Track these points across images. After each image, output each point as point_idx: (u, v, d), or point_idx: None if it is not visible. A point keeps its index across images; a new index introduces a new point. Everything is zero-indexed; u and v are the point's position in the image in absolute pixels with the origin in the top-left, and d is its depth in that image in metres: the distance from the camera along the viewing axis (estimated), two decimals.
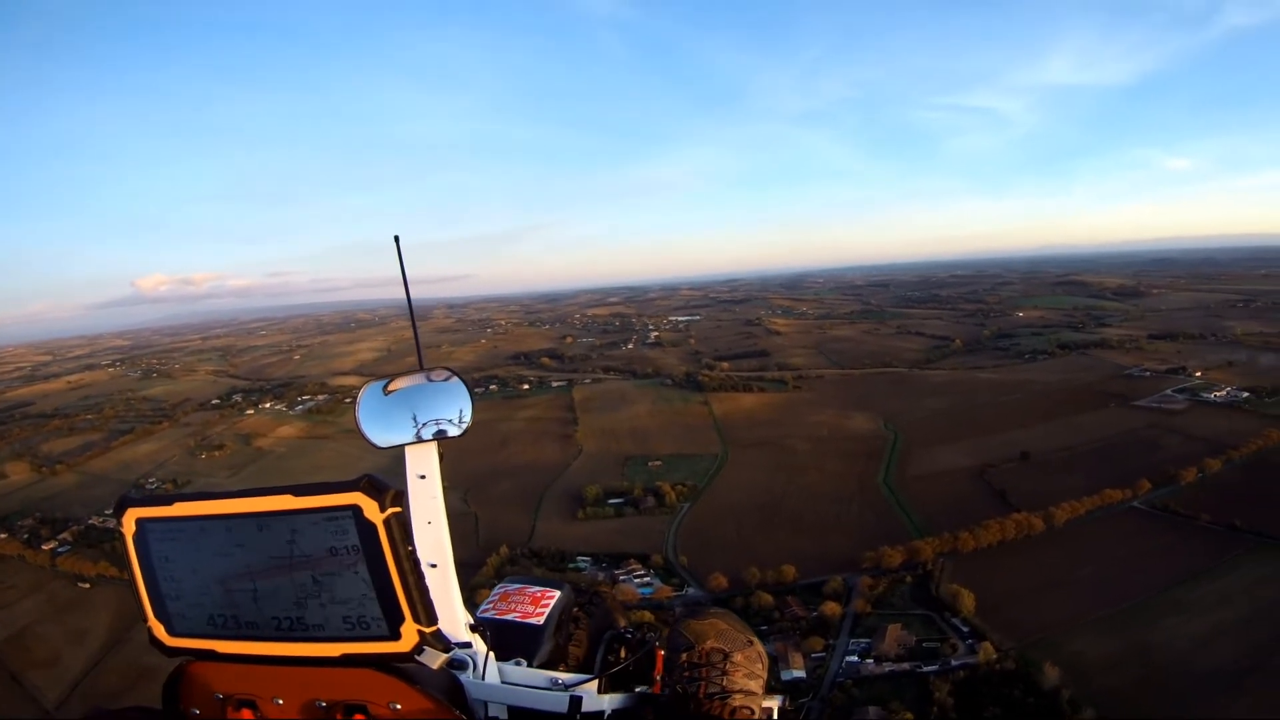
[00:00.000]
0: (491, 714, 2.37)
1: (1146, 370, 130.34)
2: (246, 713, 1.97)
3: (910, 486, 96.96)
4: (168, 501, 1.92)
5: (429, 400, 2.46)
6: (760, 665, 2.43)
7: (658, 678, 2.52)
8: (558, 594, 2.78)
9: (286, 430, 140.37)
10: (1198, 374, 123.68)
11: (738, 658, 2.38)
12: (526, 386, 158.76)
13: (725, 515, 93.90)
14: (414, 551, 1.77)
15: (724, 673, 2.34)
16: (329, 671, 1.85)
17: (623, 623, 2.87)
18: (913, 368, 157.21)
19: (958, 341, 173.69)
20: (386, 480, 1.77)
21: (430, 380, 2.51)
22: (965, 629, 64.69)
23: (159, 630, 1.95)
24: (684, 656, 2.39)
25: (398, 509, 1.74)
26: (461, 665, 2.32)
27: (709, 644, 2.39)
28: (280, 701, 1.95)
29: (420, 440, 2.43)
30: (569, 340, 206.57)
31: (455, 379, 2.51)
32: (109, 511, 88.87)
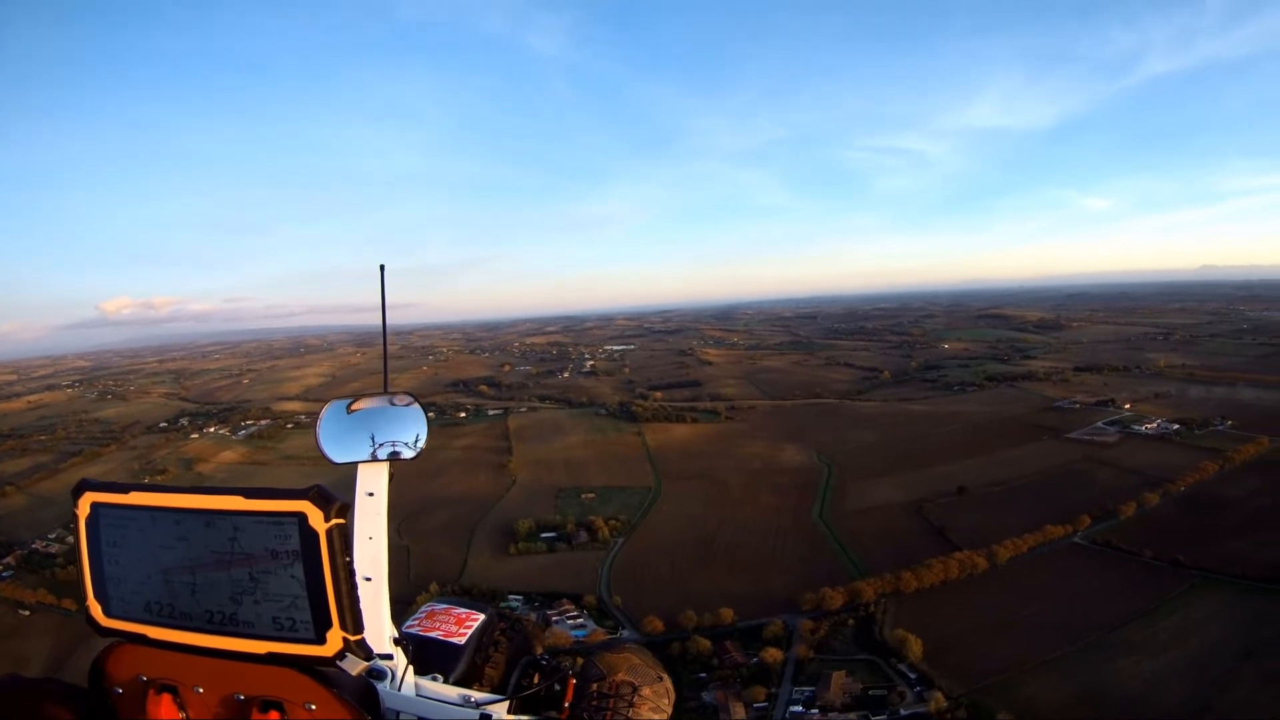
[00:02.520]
0: None
1: (1075, 402, 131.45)
2: (167, 697, 2.02)
3: (847, 522, 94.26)
4: (124, 490, 1.97)
5: (388, 422, 2.65)
6: (667, 701, 2.56)
7: (567, 705, 2.58)
8: (482, 617, 2.90)
9: (228, 455, 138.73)
10: (1127, 406, 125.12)
11: (646, 691, 2.51)
12: (463, 414, 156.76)
13: (659, 552, 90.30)
14: (351, 563, 1.83)
15: (631, 704, 2.47)
16: (252, 667, 1.90)
17: (539, 650, 2.92)
18: (843, 398, 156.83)
19: (886, 373, 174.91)
20: (335, 493, 1.84)
21: (393, 404, 2.70)
22: (913, 675, 61.49)
23: (96, 610, 2.01)
24: (595, 686, 2.52)
25: (341, 520, 1.81)
26: (380, 675, 2.41)
27: (620, 676, 2.52)
28: (201, 690, 2.00)
29: (375, 459, 2.60)
30: (507, 368, 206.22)
31: (415, 405, 2.69)
32: (53, 535, 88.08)
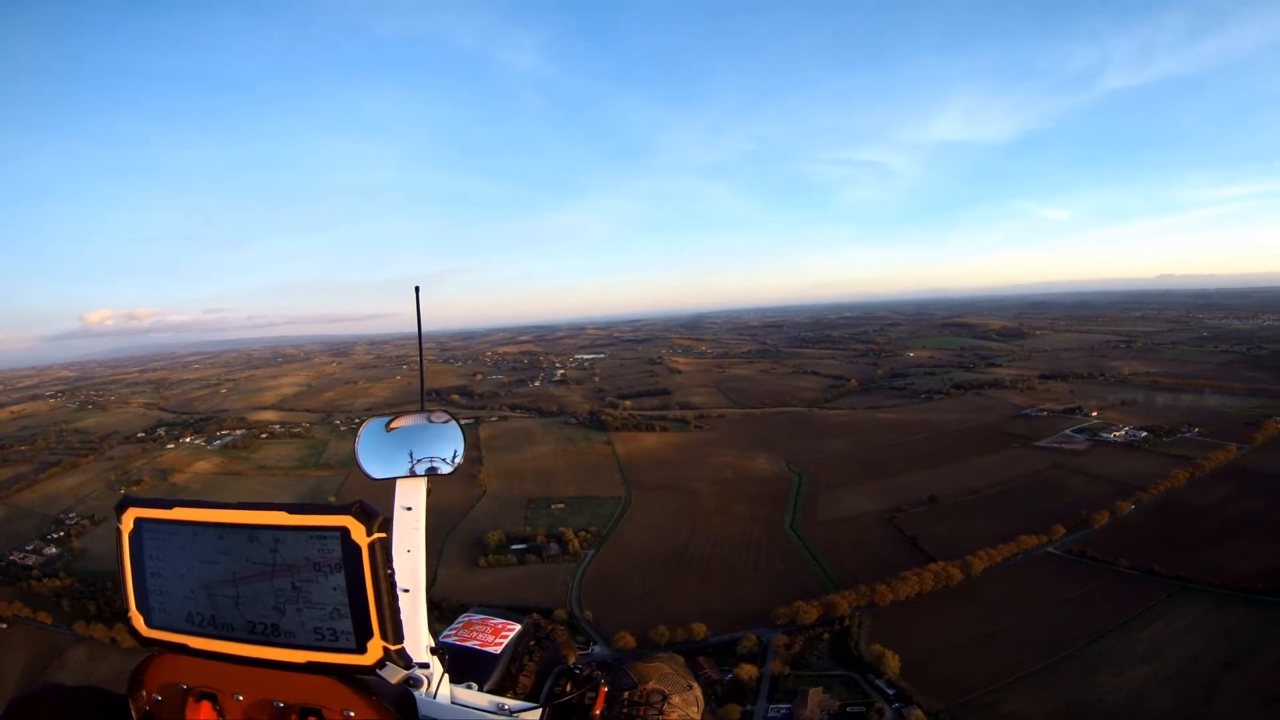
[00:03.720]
0: None
1: (1043, 410, 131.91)
2: (206, 704, 2.09)
3: (819, 532, 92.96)
4: (168, 505, 2.05)
5: (426, 439, 2.83)
6: (696, 709, 2.60)
7: (598, 713, 2.61)
8: (518, 627, 3.10)
9: (203, 465, 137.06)
10: (1094, 414, 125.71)
11: (675, 699, 2.56)
12: None
13: (631, 564, 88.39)
14: (393, 574, 1.90)
15: (660, 712, 2.53)
16: (291, 676, 1.98)
17: (572, 659, 3.06)
18: (811, 407, 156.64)
19: (853, 381, 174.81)
20: (376, 508, 1.91)
21: (430, 421, 2.88)
22: (891, 691, 59.87)
23: (138, 621, 2.08)
24: (625, 695, 2.58)
25: (383, 535, 1.88)
26: (417, 683, 2.53)
27: (651, 684, 2.58)
28: (240, 698, 2.07)
29: (413, 475, 2.79)
30: (479, 377, 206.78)
31: (453, 422, 2.89)
32: (30, 547, 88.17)
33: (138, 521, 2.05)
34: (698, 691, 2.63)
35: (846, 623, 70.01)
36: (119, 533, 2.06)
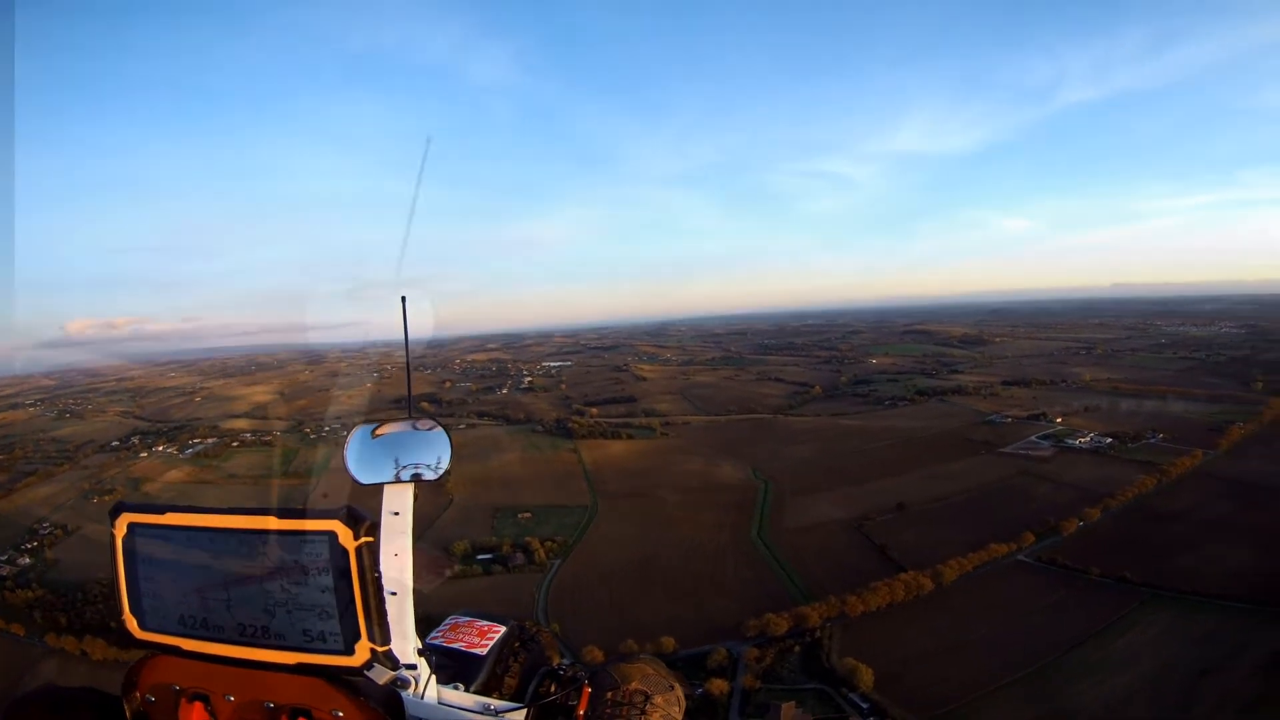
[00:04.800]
0: None
1: (1008, 416, 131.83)
2: (198, 705, 2.13)
3: (786, 540, 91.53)
4: (160, 511, 2.09)
5: (412, 446, 2.86)
6: (678, 709, 2.62)
7: (582, 714, 2.62)
8: (503, 629, 3.10)
9: (174, 475, 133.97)
10: (1058, 420, 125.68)
11: (658, 699, 2.57)
12: None
13: (598, 575, 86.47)
14: (379, 578, 1.96)
15: (643, 712, 2.53)
16: (281, 676, 2.02)
17: (556, 660, 3.07)
18: (776, 413, 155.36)
19: (817, 388, 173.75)
20: (364, 512, 1.96)
21: (416, 428, 2.93)
22: (865, 705, 58.48)
23: (131, 624, 2.12)
24: (609, 695, 2.58)
25: (370, 539, 1.93)
26: (405, 684, 2.55)
27: (633, 685, 2.59)
28: (231, 699, 2.11)
29: (399, 481, 2.80)
30: (448, 385, 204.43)
31: (439, 429, 2.93)
32: (4, 558, 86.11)
33: (131, 526, 2.09)
34: (679, 692, 2.63)
35: (818, 634, 68.39)
36: (113, 537, 2.09)
